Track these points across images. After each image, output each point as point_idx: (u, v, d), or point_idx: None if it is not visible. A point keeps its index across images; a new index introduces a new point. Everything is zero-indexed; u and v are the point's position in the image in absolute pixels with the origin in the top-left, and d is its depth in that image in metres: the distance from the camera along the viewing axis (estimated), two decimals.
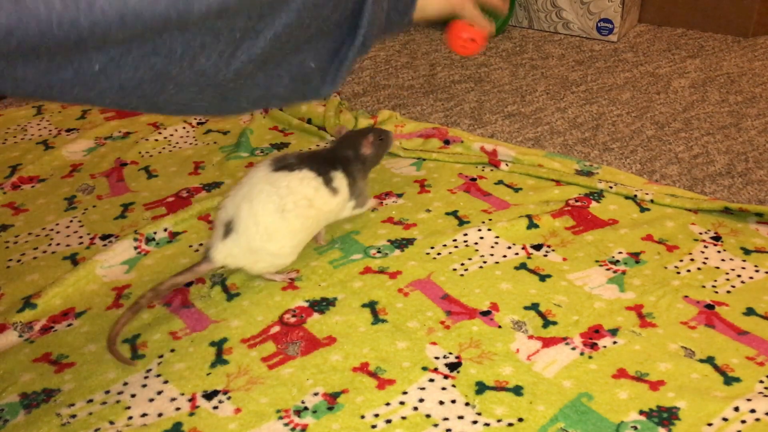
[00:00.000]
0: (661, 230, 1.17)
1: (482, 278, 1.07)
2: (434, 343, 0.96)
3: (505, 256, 1.12)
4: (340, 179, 1.05)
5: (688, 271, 1.08)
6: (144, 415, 0.86)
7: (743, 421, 0.83)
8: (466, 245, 1.14)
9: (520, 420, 0.84)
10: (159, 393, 0.89)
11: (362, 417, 0.85)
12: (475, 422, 0.84)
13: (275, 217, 0.98)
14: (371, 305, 1.02)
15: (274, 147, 1.45)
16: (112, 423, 0.85)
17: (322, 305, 1.03)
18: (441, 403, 0.87)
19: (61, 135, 1.52)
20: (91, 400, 0.89)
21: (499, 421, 0.84)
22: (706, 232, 1.16)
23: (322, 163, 1.04)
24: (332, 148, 1.10)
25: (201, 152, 1.44)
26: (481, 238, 1.15)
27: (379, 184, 1.32)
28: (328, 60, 0.79)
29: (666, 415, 0.84)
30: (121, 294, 1.06)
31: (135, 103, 0.66)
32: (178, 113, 0.83)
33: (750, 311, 1.00)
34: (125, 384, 0.91)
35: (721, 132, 1.49)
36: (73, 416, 0.86)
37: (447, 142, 1.42)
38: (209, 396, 0.89)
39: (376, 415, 0.85)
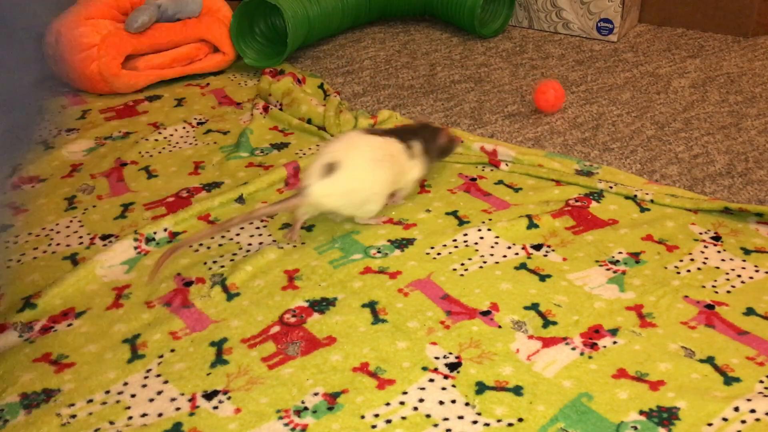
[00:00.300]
0: (661, 230, 1.17)
1: (482, 278, 1.07)
2: (434, 343, 0.96)
3: (505, 256, 1.12)
4: (417, 147, 1.22)
5: (688, 271, 1.08)
6: (144, 415, 0.86)
7: (743, 421, 0.83)
8: (466, 245, 1.14)
9: (520, 420, 0.84)
10: (159, 393, 0.89)
11: (362, 417, 0.85)
12: (475, 422, 0.84)
13: (371, 165, 1.13)
14: (371, 305, 1.02)
15: (274, 147, 1.45)
16: (112, 423, 0.85)
17: (322, 305, 1.03)
18: (441, 403, 0.87)
19: (61, 135, 1.52)
20: (91, 400, 0.89)
21: (499, 421, 0.84)
22: (706, 232, 1.16)
23: (404, 134, 1.22)
24: (413, 126, 1.28)
25: (201, 152, 1.44)
26: (481, 238, 1.15)
27: None
28: None
29: (666, 415, 0.84)
30: (121, 294, 1.06)
31: None
32: None
33: (750, 311, 1.00)
34: (125, 384, 0.91)
35: (721, 132, 1.49)
36: (73, 416, 0.86)
37: None
38: (209, 396, 0.89)
39: (376, 415, 0.85)
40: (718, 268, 1.08)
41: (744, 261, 1.10)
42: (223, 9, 1.79)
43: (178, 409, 0.87)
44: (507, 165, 1.36)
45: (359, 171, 1.11)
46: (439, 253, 1.12)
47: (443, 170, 1.35)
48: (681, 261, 1.10)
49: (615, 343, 0.95)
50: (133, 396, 0.89)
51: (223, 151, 1.44)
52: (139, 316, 1.02)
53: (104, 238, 1.19)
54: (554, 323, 0.99)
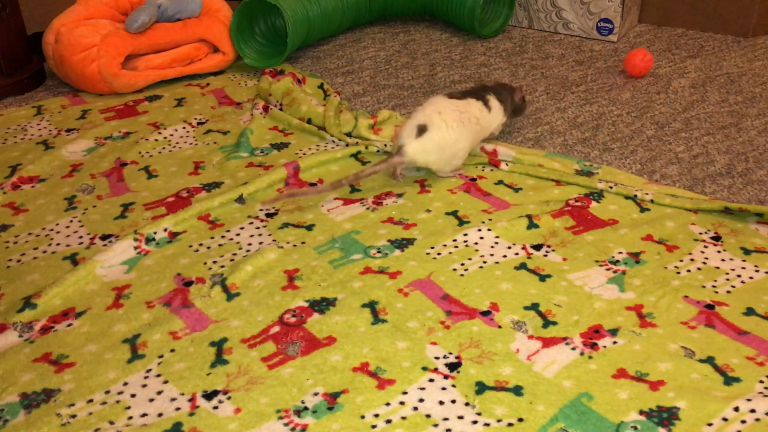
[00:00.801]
0: (661, 230, 1.17)
1: (482, 278, 1.07)
2: (434, 343, 0.96)
3: (505, 256, 1.12)
4: (493, 101, 1.37)
5: (688, 271, 1.08)
6: (144, 415, 0.86)
7: (743, 421, 0.83)
8: (466, 245, 1.14)
9: (520, 420, 0.84)
10: (159, 393, 0.89)
11: (362, 417, 0.85)
12: (475, 422, 0.84)
13: (458, 126, 1.27)
14: (371, 305, 1.02)
15: (274, 147, 1.45)
16: (112, 423, 0.85)
17: (322, 305, 1.03)
18: (441, 403, 0.87)
19: (61, 135, 1.52)
20: (91, 400, 0.89)
21: (499, 421, 0.84)
22: (706, 232, 1.16)
23: (480, 92, 1.37)
24: (487, 85, 1.41)
25: (201, 152, 1.44)
26: (481, 238, 1.15)
27: (379, 184, 1.32)
28: None
29: (666, 415, 0.84)
30: (121, 294, 1.06)
31: None
32: None
33: (750, 311, 1.00)
34: (125, 384, 0.91)
35: (721, 132, 1.49)
36: (73, 416, 0.86)
37: None
38: (209, 396, 0.89)
39: (376, 415, 0.85)
40: (718, 268, 1.08)
41: (744, 261, 1.10)
42: (223, 9, 1.79)
43: (178, 409, 0.87)
44: (507, 165, 1.36)
45: (447, 131, 1.26)
46: (439, 253, 1.12)
47: None
48: (681, 261, 1.10)
49: (615, 343, 0.95)
50: (133, 396, 0.89)
51: (223, 151, 1.44)
52: (139, 316, 1.02)
53: (104, 238, 1.19)
54: (554, 323, 0.99)
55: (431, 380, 0.90)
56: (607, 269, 1.09)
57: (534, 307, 1.01)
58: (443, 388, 0.89)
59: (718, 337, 0.96)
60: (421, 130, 1.25)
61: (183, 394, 0.89)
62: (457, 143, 1.27)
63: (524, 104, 1.46)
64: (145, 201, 1.28)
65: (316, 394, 0.89)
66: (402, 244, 1.15)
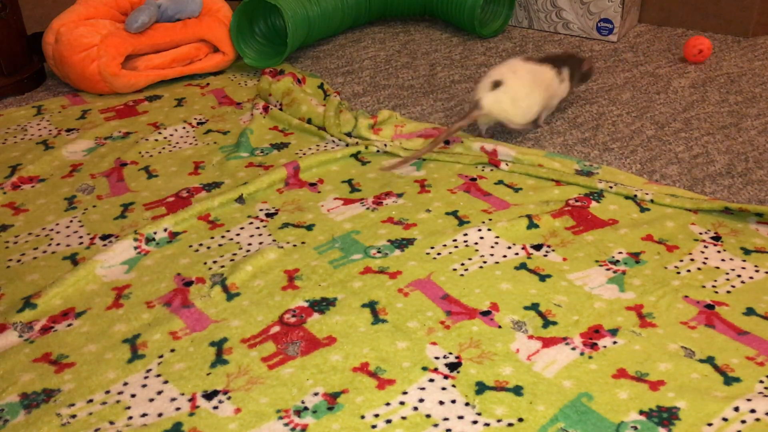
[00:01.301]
0: (661, 230, 1.17)
1: (482, 278, 1.07)
2: (434, 343, 0.96)
3: (505, 256, 1.12)
4: (565, 72, 1.48)
5: (688, 271, 1.08)
6: (144, 415, 0.86)
7: (743, 421, 0.83)
8: (466, 245, 1.14)
9: (520, 420, 0.84)
10: (159, 393, 0.89)
11: (362, 417, 0.85)
12: (475, 422, 0.84)
13: (530, 84, 1.40)
14: (371, 305, 1.02)
15: (274, 147, 1.45)
16: (112, 423, 0.85)
17: (322, 305, 1.03)
18: (441, 403, 0.87)
19: (61, 135, 1.52)
20: (91, 400, 0.89)
21: (499, 421, 0.84)
22: (706, 232, 1.16)
23: (556, 61, 1.47)
24: (561, 55, 1.52)
25: (201, 152, 1.44)
26: (481, 238, 1.15)
27: (379, 184, 1.32)
28: None
29: (666, 415, 0.84)
30: (121, 294, 1.06)
31: None
32: None
33: (750, 311, 1.00)
34: (125, 384, 0.91)
35: (721, 132, 1.49)
36: (73, 416, 0.86)
37: (447, 142, 1.42)
38: (209, 396, 0.89)
39: (376, 415, 0.85)
40: (718, 268, 1.08)
41: (744, 261, 1.10)
42: (223, 9, 1.80)
43: (178, 409, 0.87)
44: (507, 165, 1.36)
45: (520, 86, 1.38)
46: (439, 253, 1.12)
47: (443, 170, 1.35)
48: (681, 261, 1.10)
49: (615, 343, 0.95)
50: (133, 396, 0.89)
51: (223, 151, 1.44)
52: (139, 316, 1.02)
53: (104, 238, 1.19)
54: (554, 323, 0.99)
55: (431, 380, 0.90)
56: (607, 269, 1.09)
57: (534, 307, 1.01)
58: (443, 388, 0.89)
59: (718, 337, 0.96)
60: (496, 84, 1.36)
61: (183, 394, 0.89)
62: (530, 96, 1.39)
63: (591, 72, 1.56)
64: (145, 201, 1.28)
65: (316, 394, 0.89)
66: (402, 244, 1.15)
